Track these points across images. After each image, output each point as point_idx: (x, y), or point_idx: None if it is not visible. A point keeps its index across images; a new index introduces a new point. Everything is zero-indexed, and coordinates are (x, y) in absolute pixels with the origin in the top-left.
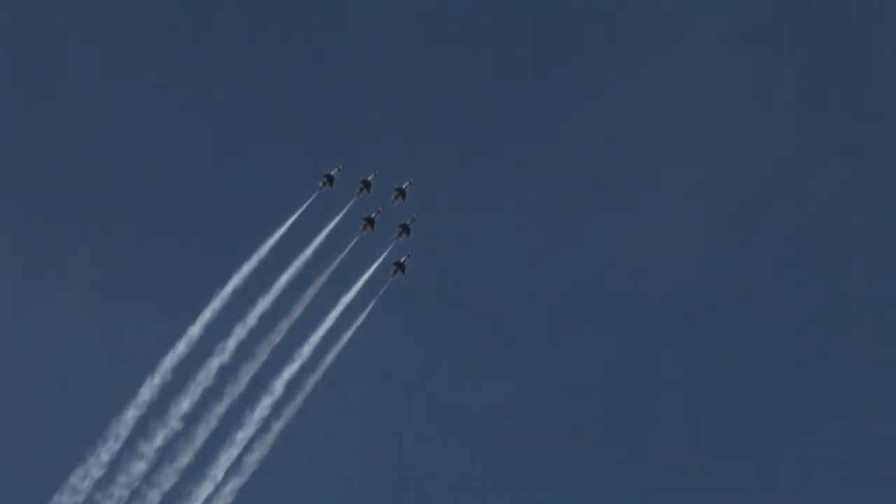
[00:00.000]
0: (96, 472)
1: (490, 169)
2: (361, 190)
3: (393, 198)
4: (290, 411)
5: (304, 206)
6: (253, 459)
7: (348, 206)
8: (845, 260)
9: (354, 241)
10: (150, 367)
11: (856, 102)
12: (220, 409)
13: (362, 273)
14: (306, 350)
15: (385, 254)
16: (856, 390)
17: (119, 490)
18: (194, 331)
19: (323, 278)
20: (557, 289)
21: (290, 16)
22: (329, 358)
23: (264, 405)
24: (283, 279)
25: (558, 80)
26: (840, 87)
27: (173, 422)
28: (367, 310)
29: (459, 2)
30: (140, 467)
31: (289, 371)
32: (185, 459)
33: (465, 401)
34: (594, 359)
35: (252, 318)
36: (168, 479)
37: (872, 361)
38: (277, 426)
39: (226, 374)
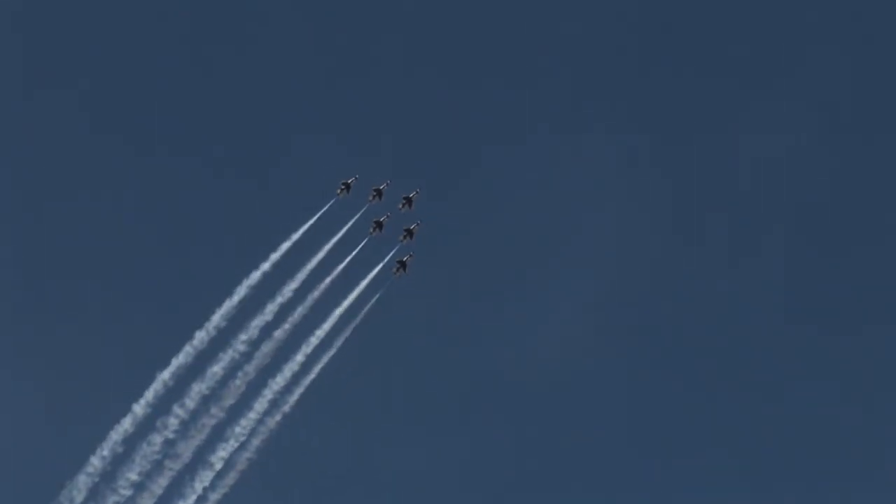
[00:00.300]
0: None
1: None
2: (374, 197)
3: (400, 205)
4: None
5: (323, 210)
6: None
7: (361, 212)
8: (717, 362)
9: (364, 241)
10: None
11: (721, 220)
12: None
13: (370, 270)
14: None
15: (391, 254)
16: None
17: None
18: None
19: (334, 273)
20: (466, 371)
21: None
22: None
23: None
24: (301, 275)
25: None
26: (707, 207)
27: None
28: (372, 301)
29: None
30: None
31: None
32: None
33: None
34: (496, 437)
35: (272, 308)
36: None
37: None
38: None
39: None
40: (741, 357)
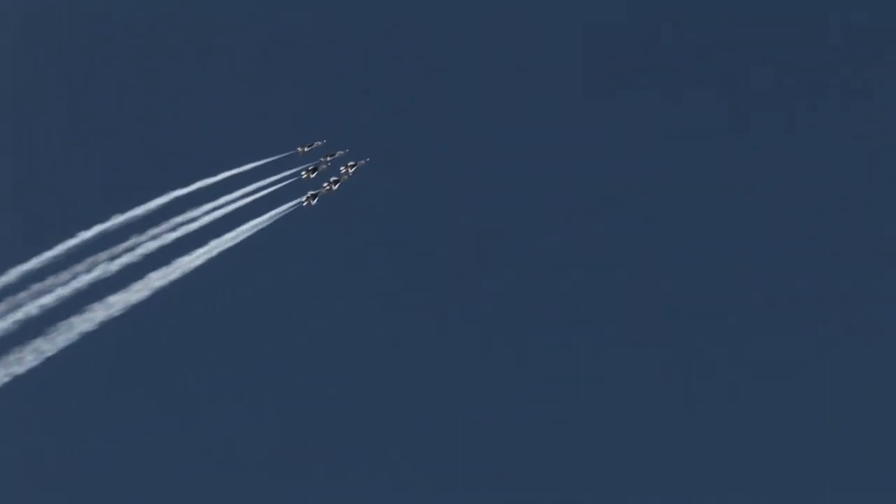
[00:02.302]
0: None
1: None
2: (326, 158)
3: (344, 169)
4: None
5: (272, 158)
6: None
7: (308, 165)
8: None
9: (293, 180)
10: None
11: None
12: None
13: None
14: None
15: (309, 193)
16: None
17: None
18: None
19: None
20: None
21: None
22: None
23: None
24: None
25: None
26: None
27: None
28: (265, 217)
29: None
30: None
31: None
32: None
33: None
34: None
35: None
36: None
37: None
38: None
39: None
40: None
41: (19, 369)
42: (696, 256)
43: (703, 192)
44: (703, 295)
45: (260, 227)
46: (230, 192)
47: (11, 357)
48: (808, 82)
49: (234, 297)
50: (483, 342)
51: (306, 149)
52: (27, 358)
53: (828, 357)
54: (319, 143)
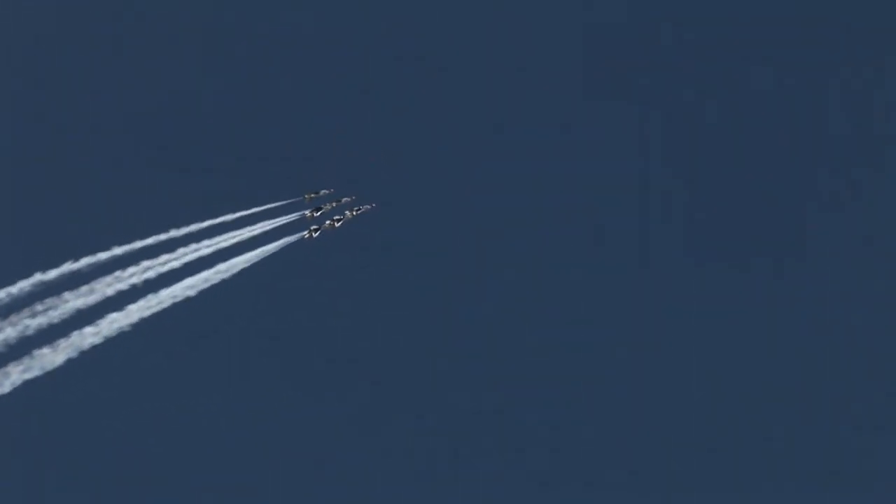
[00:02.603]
0: None
1: None
2: (332, 204)
3: (349, 212)
4: None
5: (279, 203)
6: None
7: (311, 207)
8: None
9: (297, 218)
10: None
11: None
12: None
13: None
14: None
15: (312, 227)
16: None
17: None
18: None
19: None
20: None
21: None
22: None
23: None
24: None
25: None
26: None
27: None
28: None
29: None
30: None
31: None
32: None
33: None
34: None
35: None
36: None
37: None
38: None
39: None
40: None
41: None
42: (695, 256)
43: (702, 192)
44: (703, 295)
45: (267, 254)
46: (235, 229)
47: None
48: (808, 82)
49: (237, 303)
50: (483, 342)
51: (312, 195)
52: None
53: (828, 357)
54: (326, 190)
